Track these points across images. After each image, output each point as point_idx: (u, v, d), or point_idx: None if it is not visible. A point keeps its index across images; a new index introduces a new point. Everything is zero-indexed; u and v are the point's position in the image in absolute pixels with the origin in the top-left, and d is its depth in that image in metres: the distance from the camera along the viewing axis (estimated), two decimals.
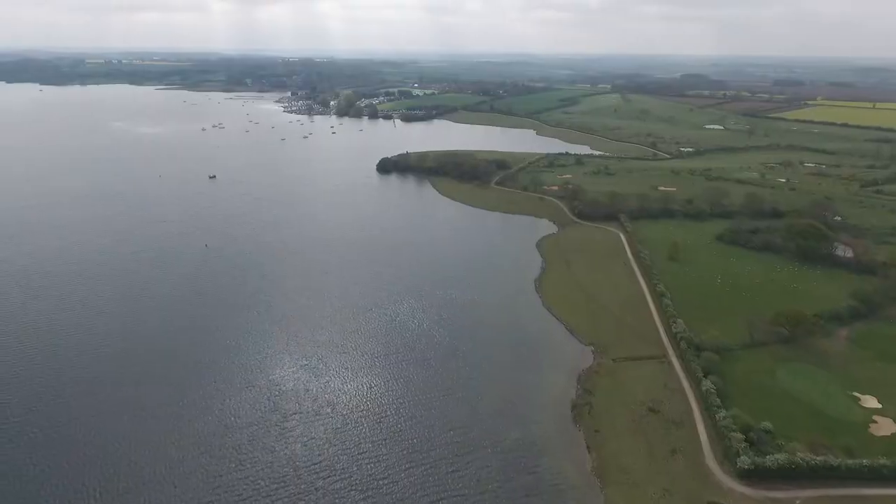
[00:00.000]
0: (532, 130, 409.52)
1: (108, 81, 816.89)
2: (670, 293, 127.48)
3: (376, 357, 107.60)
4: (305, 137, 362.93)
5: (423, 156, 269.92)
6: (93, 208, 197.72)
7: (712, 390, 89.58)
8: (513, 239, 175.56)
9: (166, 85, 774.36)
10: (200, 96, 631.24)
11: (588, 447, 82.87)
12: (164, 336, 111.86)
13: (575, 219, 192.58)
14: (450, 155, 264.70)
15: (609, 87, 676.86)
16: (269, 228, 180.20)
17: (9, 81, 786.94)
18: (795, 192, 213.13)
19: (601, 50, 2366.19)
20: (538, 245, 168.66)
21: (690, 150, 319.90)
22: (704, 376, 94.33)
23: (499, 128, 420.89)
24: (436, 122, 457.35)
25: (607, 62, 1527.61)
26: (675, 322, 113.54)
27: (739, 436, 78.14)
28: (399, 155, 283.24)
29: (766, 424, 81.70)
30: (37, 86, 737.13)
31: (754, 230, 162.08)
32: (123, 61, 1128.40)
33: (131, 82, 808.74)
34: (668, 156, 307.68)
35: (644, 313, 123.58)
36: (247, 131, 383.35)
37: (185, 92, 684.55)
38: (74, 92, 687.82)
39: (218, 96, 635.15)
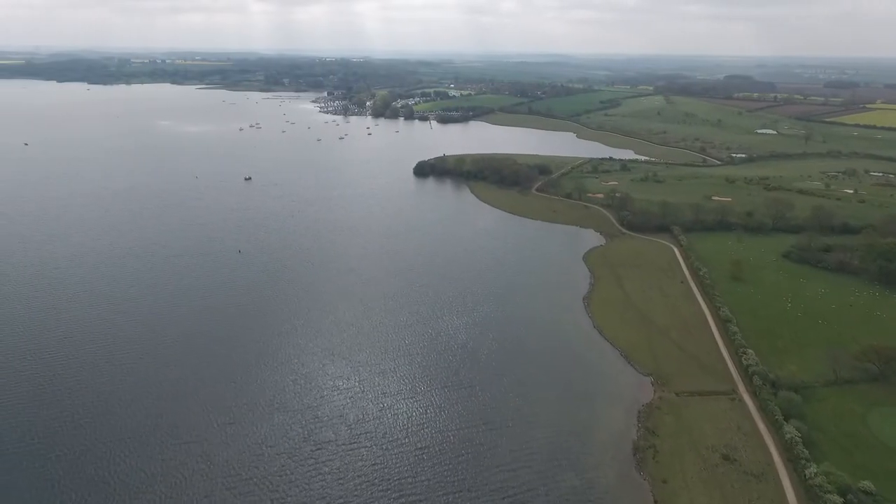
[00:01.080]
0: (572, 133, 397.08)
1: (152, 81, 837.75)
2: (736, 318, 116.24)
3: (417, 380, 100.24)
4: (341, 139, 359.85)
5: (460, 159, 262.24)
6: (130, 209, 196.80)
7: (797, 439, 78.77)
8: (558, 250, 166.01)
9: (207, 84, 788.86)
10: (239, 96, 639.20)
11: (655, 501, 73.39)
12: (191, 351, 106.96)
13: (623, 230, 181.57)
14: (488, 159, 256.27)
15: (651, 88, 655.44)
16: (303, 234, 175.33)
17: (60, 81, 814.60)
18: (865, 205, 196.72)
19: (639, 50, 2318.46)
20: (585, 258, 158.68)
21: (742, 156, 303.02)
22: (785, 420, 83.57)
23: (538, 130, 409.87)
24: (472, 123, 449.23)
25: (646, 63, 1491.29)
26: (744, 353, 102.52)
27: (837, 499, 67.50)
28: (436, 158, 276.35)
29: (867, 484, 70.78)
30: (85, 85, 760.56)
31: (826, 248, 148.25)
32: (167, 61, 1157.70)
33: (173, 82, 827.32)
34: (718, 162, 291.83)
35: (707, 340, 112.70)
36: (283, 132, 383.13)
37: (224, 91, 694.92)
38: (119, 91, 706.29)
39: (256, 96, 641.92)
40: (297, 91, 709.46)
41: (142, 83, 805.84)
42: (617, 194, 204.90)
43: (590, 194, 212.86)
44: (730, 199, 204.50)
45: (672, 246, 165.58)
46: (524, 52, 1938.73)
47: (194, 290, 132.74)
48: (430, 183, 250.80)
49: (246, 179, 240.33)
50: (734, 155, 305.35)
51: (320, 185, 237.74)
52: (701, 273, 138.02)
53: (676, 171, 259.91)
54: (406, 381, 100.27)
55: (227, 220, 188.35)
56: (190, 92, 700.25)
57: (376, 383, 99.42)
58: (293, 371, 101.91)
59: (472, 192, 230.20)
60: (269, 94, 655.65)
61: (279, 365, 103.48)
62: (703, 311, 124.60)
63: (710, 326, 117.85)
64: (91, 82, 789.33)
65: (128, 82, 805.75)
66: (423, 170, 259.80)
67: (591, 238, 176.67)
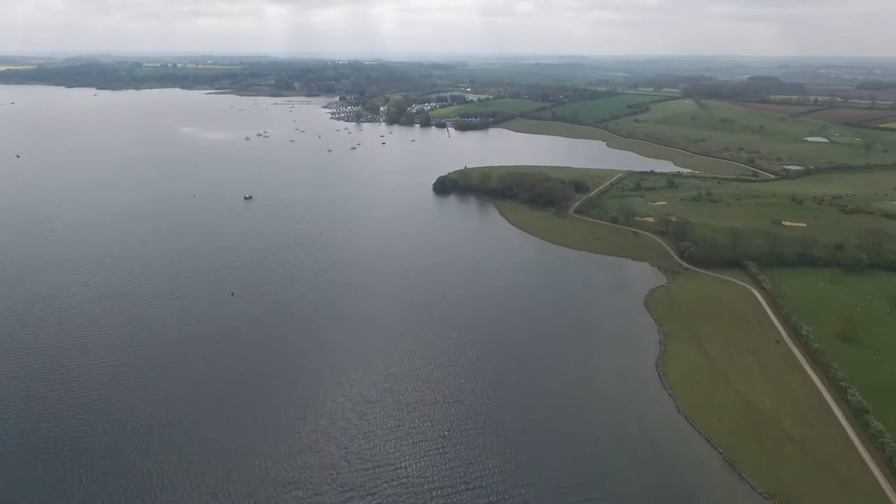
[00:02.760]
0: (601, 141, 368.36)
1: (162, 85, 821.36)
2: (871, 404, 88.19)
3: (457, 492, 74.12)
4: (353, 149, 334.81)
5: (485, 174, 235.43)
6: (117, 235, 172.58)
7: None
8: (612, 292, 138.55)
9: (216, 89, 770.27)
10: (248, 101, 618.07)
11: None
12: (156, 441, 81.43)
13: (684, 264, 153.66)
14: (517, 174, 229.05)
15: (678, 91, 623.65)
16: (309, 269, 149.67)
17: (69, 86, 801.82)
18: None
19: (657, 51, 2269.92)
20: (647, 302, 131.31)
21: (797, 168, 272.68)
22: None
23: (564, 138, 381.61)
24: (492, 131, 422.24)
25: (664, 63, 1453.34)
26: None
27: None
28: (458, 172, 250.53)
29: None
30: (93, 90, 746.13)
31: None
32: (178, 65, 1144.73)
33: (183, 86, 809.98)
34: (771, 176, 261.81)
35: (836, 437, 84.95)
36: (292, 141, 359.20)
37: (233, 96, 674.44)
38: (127, 96, 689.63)
39: (265, 101, 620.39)
40: (308, 96, 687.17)
41: (151, 88, 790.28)
42: (672, 218, 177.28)
43: (638, 217, 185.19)
44: (804, 225, 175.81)
45: (750, 288, 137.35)
46: (539, 54, 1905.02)
47: (178, 345, 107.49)
48: (453, 202, 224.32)
49: (246, 199, 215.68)
50: (787, 167, 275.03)
51: (330, 205, 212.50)
52: (804, 333, 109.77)
53: (730, 187, 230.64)
54: (444, 494, 74.17)
55: (223, 249, 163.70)
56: (198, 97, 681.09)
57: (401, 499, 73.41)
58: (291, 481, 76.10)
59: (501, 213, 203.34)
60: (280, 99, 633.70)
61: (273, 479, 77.50)
62: (818, 388, 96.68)
63: (833, 414, 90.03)
64: (100, 87, 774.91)
65: (137, 87, 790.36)
66: (444, 186, 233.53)
67: (648, 275, 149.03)
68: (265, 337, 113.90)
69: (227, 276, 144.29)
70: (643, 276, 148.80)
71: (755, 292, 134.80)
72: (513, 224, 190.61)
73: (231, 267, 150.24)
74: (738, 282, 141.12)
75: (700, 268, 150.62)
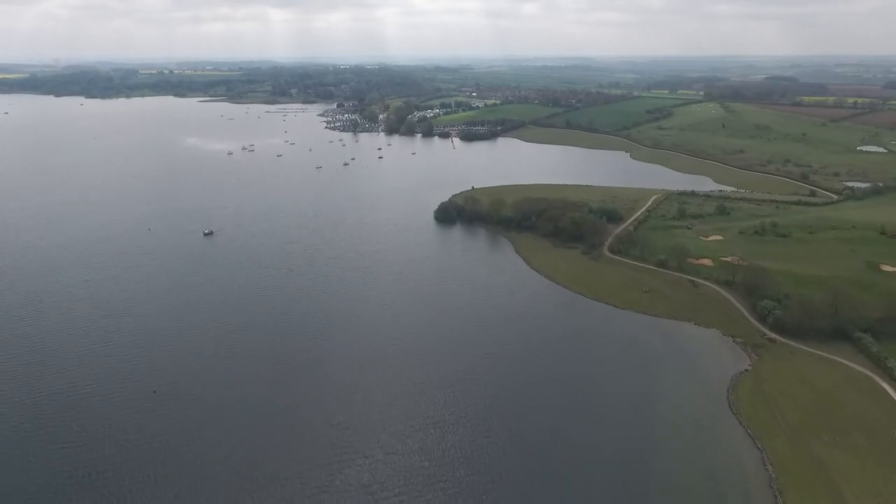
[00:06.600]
0: (624, 152, 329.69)
1: (155, 93, 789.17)
2: None
3: None
4: (346, 164, 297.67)
5: (497, 199, 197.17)
6: (34, 288, 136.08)
7: None
8: (674, 379, 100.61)
9: (210, 96, 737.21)
10: (240, 109, 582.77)
11: None
12: None
13: (769, 333, 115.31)
14: (536, 200, 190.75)
15: (700, 94, 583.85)
16: (271, 340, 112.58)
17: (58, 95, 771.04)
18: None
19: (663, 51, 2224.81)
20: (731, 402, 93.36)
21: (862, 185, 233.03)
22: None
23: (581, 149, 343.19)
24: (501, 140, 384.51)
25: (671, 64, 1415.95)
26: None
27: None
28: (464, 195, 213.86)
29: None
30: (81, 99, 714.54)
31: None
32: (175, 71, 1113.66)
33: (176, 94, 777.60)
34: (833, 196, 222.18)
35: None
36: (279, 155, 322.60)
37: (226, 104, 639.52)
38: (115, 105, 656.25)
39: (259, 109, 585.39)
40: (304, 102, 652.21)
41: (143, 96, 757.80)
42: (740, 262, 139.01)
43: (692, 259, 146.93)
44: None
45: (873, 376, 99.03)
46: (544, 56, 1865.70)
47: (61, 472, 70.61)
48: (458, 234, 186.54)
49: (206, 234, 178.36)
50: (849, 184, 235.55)
51: (310, 239, 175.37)
52: None
53: (793, 213, 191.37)
54: None
55: (161, 308, 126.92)
56: (190, 105, 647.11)
57: None
58: None
59: (518, 251, 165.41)
60: (274, 107, 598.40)
61: None
62: None
63: None
64: (90, 96, 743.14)
65: (128, 96, 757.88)
66: (448, 214, 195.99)
67: (723, 351, 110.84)
68: (196, 478, 76.61)
69: (156, 355, 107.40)
70: (716, 352, 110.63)
71: (885, 386, 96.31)
72: (534, 268, 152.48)
73: (165, 338, 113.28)
74: (852, 364, 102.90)
75: (790, 338, 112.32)
